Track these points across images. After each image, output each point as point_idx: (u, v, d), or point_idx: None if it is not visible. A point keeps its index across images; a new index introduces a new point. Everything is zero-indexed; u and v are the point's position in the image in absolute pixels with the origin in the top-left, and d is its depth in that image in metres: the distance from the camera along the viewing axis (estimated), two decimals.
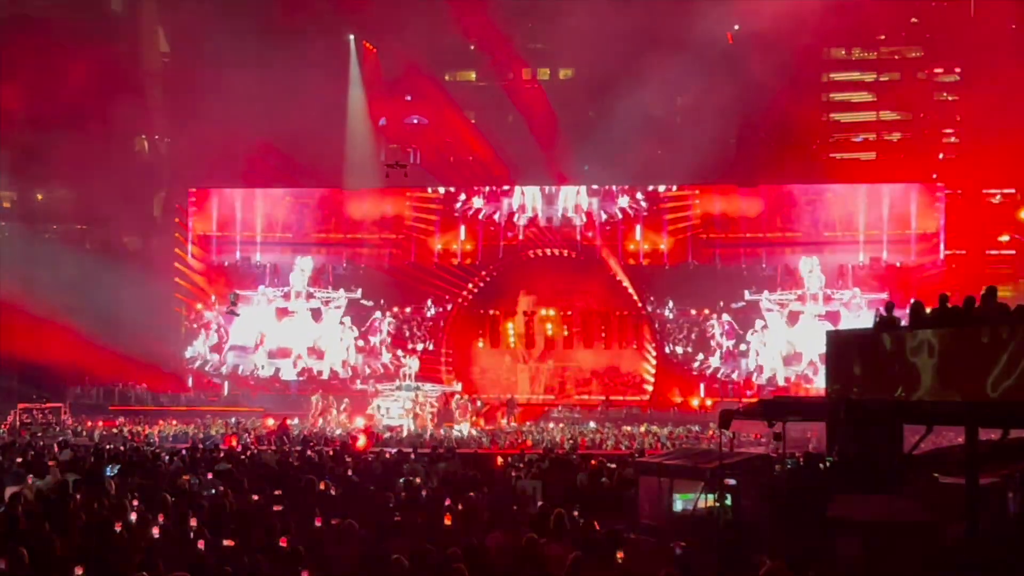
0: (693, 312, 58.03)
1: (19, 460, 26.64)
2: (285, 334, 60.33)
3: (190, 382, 60.15)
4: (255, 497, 19.26)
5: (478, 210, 59.42)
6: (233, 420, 49.32)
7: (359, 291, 59.91)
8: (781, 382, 55.49)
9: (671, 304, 58.24)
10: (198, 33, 56.08)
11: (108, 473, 23.27)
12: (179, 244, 61.70)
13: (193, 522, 15.54)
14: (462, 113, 62.13)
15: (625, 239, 58.67)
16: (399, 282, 60.06)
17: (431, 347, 59.40)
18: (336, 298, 60.15)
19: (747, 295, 57.21)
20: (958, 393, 17.21)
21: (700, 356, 57.57)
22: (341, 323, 59.80)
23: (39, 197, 62.55)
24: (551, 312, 60.04)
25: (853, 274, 56.72)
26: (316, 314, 60.33)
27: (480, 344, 60.62)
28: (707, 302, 57.74)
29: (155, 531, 15.14)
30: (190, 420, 51.00)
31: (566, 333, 59.84)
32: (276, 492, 19.92)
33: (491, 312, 60.51)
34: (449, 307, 59.87)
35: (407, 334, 59.60)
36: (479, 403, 53.43)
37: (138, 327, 55.64)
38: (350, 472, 24.68)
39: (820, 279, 56.57)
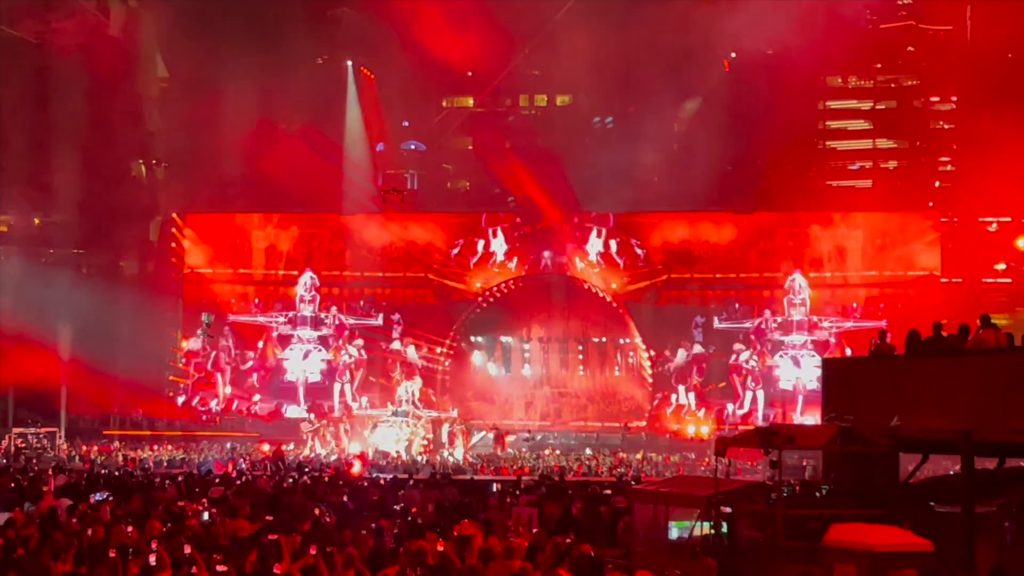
0: (652, 352, 57.88)
1: (13, 485, 26.59)
2: (288, 367, 59.91)
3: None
4: (249, 523, 19.19)
5: (489, 252, 59.24)
6: (228, 446, 49.25)
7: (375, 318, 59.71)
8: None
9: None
10: (196, 58, 56.17)
11: (97, 498, 23.22)
12: (175, 269, 61.65)
13: (187, 548, 15.47)
14: (459, 139, 62.25)
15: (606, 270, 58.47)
16: (407, 310, 59.93)
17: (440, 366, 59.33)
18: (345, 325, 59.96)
19: (716, 323, 56.74)
20: (954, 422, 17.21)
21: (659, 395, 57.37)
22: (347, 352, 59.44)
23: (36, 221, 62.50)
24: (548, 338, 59.96)
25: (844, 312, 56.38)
26: (324, 342, 59.89)
27: (477, 369, 60.51)
28: (665, 343, 57.62)
29: (150, 557, 15.07)
30: (185, 445, 50.92)
31: (562, 359, 59.75)
32: (268, 517, 19.87)
33: (488, 338, 60.44)
34: (449, 334, 59.82)
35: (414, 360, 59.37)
36: (473, 431, 53.47)
37: (134, 352, 55.57)
38: (345, 498, 24.63)
39: (806, 304, 56.19)
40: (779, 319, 56.07)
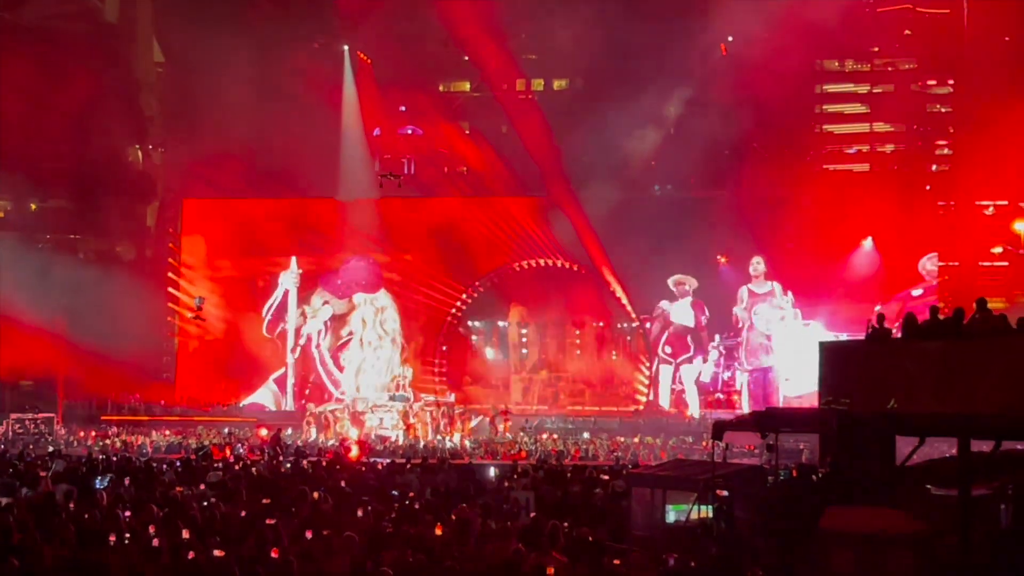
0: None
1: (10, 471, 26.58)
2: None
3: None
4: (247, 508, 19.23)
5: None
6: (226, 430, 49.23)
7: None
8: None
9: None
10: (193, 43, 56.04)
11: (98, 485, 23.23)
12: (172, 255, 61.60)
13: (185, 533, 15.51)
14: (456, 124, 62.11)
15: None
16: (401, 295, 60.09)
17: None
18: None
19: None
20: (951, 405, 17.23)
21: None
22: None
23: (33, 207, 62.43)
24: (546, 322, 60.00)
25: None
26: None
27: (474, 354, 60.56)
28: None
29: (147, 543, 15.10)
30: (183, 430, 50.91)
31: (559, 343, 59.79)
32: (265, 501, 19.92)
33: (485, 322, 60.46)
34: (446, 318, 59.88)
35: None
36: (472, 416, 53.48)
37: (132, 337, 55.55)
38: (343, 483, 24.65)
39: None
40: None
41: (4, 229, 60.81)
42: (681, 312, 57.45)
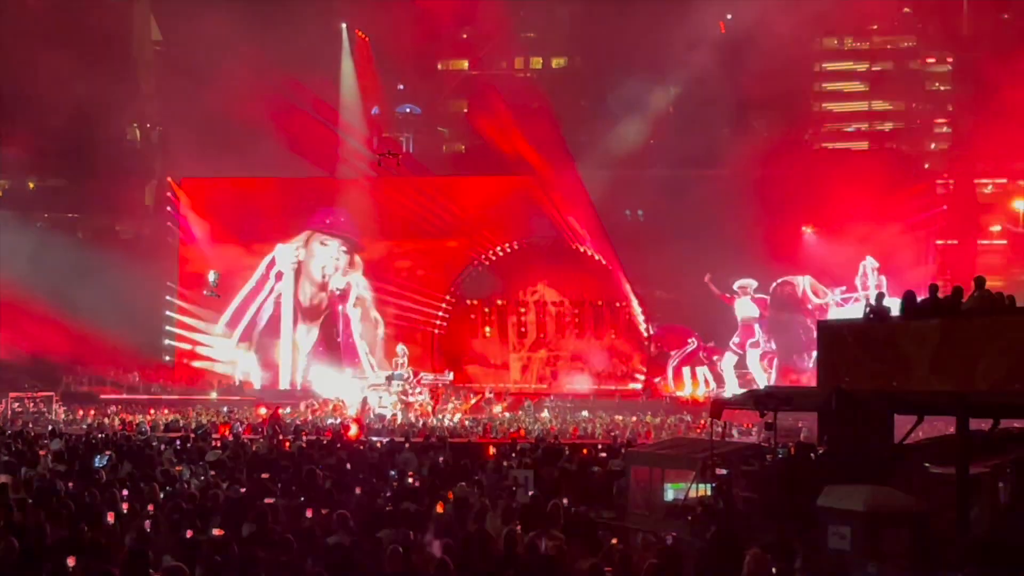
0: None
1: (10, 450, 26.57)
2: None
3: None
4: (245, 488, 19.24)
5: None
6: (225, 409, 49.25)
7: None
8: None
9: None
10: (190, 21, 55.93)
11: (97, 463, 23.23)
12: (171, 233, 61.54)
13: (184, 511, 15.52)
14: (454, 102, 62.03)
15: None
16: (397, 273, 60.15)
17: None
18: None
19: None
20: (949, 383, 17.23)
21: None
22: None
23: (31, 185, 62.38)
24: (544, 301, 59.94)
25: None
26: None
27: (473, 333, 60.53)
28: None
29: (146, 521, 15.11)
30: (182, 409, 50.93)
31: (558, 322, 59.75)
32: (264, 475, 19.93)
33: (484, 301, 60.40)
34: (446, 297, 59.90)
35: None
36: (471, 395, 53.49)
37: (130, 316, 55.57)
38: (343, 462, 24.66)
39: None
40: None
41: (2, 208, 60.81)
42: (744, 307, 56.99)
